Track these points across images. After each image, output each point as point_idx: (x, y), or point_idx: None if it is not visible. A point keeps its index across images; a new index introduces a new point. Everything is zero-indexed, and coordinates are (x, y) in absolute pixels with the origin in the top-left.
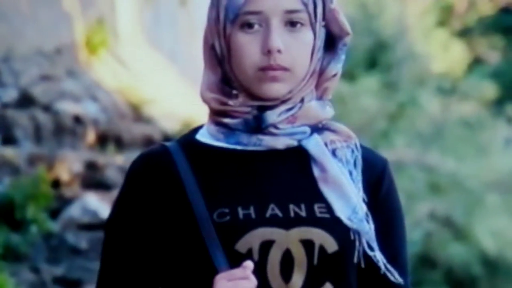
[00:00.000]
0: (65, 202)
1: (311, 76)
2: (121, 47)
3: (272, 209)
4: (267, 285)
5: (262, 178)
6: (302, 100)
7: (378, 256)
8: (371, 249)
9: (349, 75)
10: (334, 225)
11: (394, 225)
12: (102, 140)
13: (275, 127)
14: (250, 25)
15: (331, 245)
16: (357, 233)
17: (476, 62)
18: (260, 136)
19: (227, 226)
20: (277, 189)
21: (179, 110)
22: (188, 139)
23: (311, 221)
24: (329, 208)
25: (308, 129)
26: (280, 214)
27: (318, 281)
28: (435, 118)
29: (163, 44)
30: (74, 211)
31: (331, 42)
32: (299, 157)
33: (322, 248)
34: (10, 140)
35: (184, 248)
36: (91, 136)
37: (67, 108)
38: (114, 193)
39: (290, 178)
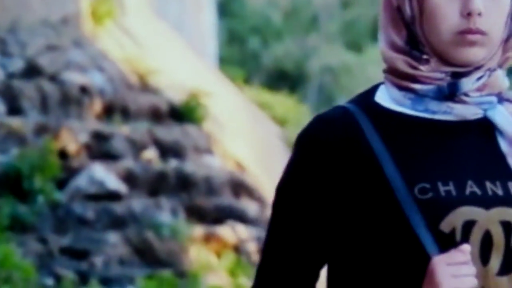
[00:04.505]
0: (72, 172)
1: (501, 43)
2: (127, 17)
3: (471, 186)
4: None
5: (455, 151)
6: (488, 68)
7: None
8: None
9: (355, 46)
10: None
11: None
12: (109, 111)
13: (466, 95)
14: None
15: None
16: None
17: None
18: (451, 104)
19: (430, 203)
20: (471, 164)
21: (185, 81)
22: (368, 102)
23: (509, 201)
24: None
25: (495, 99)
26: (478, 192)
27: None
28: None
29: (169, 14)
30: (81, 182)
31: None
32: (484, 129)
33: None
34: (16, 110)
35: (379, 223)
36: (97, 106)
37: (74, 78)
38: (121, 163)
39: (479, 152)
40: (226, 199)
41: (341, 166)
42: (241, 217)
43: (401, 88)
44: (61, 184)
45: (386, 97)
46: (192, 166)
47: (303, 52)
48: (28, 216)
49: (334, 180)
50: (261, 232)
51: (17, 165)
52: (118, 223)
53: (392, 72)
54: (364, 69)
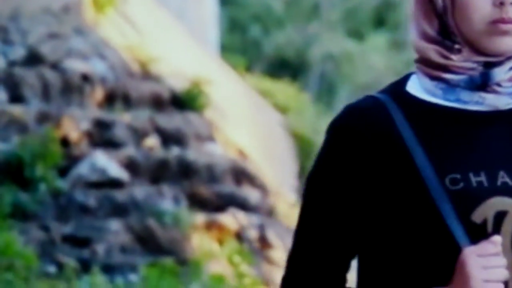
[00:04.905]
0: (74, 160)
1: None
2: (129, 5)
3: (502, 177)
4: None
5: (487, 141)
6: None
7: None
8: None
9: (357, 34)
10: None
11: None
12: (110, 98)
13: (499, 85)
14: None
15: None
16: None
17: None
18: (483, 94)
19: (461, 194)
20: (503, 155)
21: (187, 68)
22: (399, 92)
23: None
24: None
25: None
26: (510, 182)
27: None
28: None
29: (171, 2)
30: (82, 169)
31: None
32: None
33: None
34: (18, 98)
35: (410, 214)
36: (99, 94)
37: (75, 66)
38: (123, 151)
39: (511, 142)
40: (228, 186)
41: (371, 156)
42: (243, 205)
43: (432, 78)
44: (63, 172)
45: (417, 87)
46: (194, 153)
47: (305, 40)
48: (29, 204)
49: (365, 170)
50: (263, 220)
51: (19, 153)
52: (120, 210)
53: (424, 62)
54: (366, 57)
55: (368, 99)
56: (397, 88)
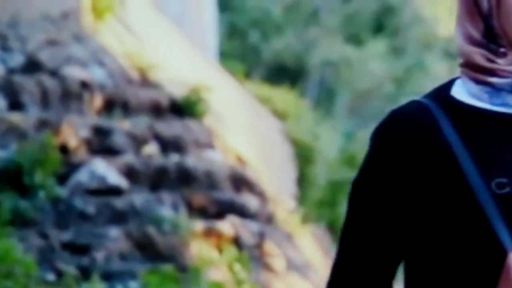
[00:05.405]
0: (73, 167)
1: None
2: (128, 12)
3: None
4: None
5: None
6: None
7: None
8: None
9: (356, 40)
10: None
11: None
12: (109, 105)
13: None
14: None
15: None
16: None
17: None
18: None
19: (507, 198)
20: None
21: (186, 75)
22: (443, 97)
23: None
24: None
25: None
26: None
27: None
28: (442, 82)
29: (170, 8)
30: (81, 177)
31: None
32: None
33: None
34: (17, 105)
35: (456, 219)
36: (98, 101)
37: (74, 73)
38: (122, 158)
39: None
40: (227, 193)
41: (417, 161)
42: (242, 212)
43: (478, 82)
44: (62, 179)
45: (462, 91)
46: (193, 160)
47: (304, 46)
48: (29, 211)
49: (410, 175)
50: (262, 227)
51: (18, 160)
52: (119, 218)
53: (469, 66)
54: (365, 63)
55: (413, 104)
56: (442, 93)
